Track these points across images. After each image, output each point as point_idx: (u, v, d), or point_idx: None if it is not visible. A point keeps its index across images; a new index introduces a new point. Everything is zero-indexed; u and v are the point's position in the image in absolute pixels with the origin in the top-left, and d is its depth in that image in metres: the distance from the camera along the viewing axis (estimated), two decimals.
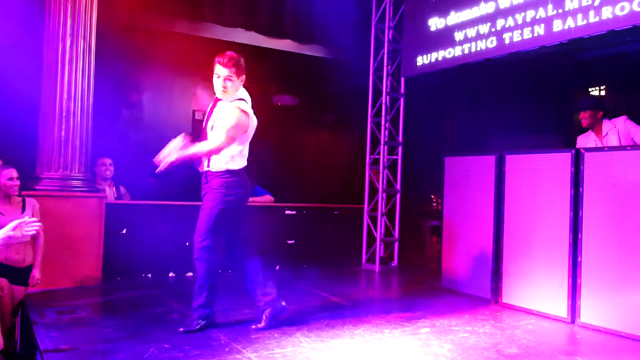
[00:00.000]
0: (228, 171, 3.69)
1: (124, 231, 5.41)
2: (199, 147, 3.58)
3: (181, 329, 3.66)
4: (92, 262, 5.05)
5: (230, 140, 3.60)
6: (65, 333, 3.53)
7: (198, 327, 3.68)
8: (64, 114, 5.01)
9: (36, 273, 4.32)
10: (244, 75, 3.77)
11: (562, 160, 4.37)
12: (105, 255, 5.13)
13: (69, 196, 4.96)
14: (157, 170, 3.49)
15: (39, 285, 4.35)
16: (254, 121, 3.80)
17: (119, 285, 5.14)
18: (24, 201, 4.30)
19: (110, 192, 5.96)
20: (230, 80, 3.68)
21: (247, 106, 3.77)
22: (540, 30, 4.96)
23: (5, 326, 3.85)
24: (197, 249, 3.68)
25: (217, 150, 3.59)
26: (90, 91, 5.19)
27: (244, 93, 3.85)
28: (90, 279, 5.04)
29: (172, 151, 3.51)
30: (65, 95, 5.01)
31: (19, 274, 4.19)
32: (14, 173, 4.16)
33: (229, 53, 3.73)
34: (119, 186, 6.26)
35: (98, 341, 3.42)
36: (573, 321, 4.23)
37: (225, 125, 3.59)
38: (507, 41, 5.27)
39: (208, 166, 3.71)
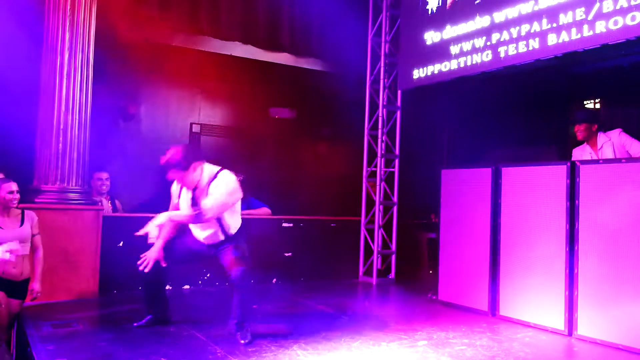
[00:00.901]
0: (242, 227, 4.06)
1: (120, 244, 5.41)
2: (186, 217, 3.77)
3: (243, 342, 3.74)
4: (89, 275, 5.04)
5: (224, 207, 3.79)
6: (61, 346, 3.52)
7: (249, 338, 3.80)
8: (61, 127, 5.03)
9: (36, 286, 4.30)
10: (194, 162, 3.81)
11: (557, 173, 4.40)
12: (102, 268, 5.12)
13: (66, 209, 4.95)
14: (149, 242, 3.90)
15: (34, 297, 4.34)
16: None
17: (115, 298, 5.12)
18: (22, 214, 4.30)
19: (107, 206, 5.96)
20: (179, 179, 3.85)
21: (231, 174, 3.93)
22: (535, 44, 5.01)
23: (1, 339, 3.83)
24: (241, 275, 3.76)
25: (215, 213, 3.75)
26: (87, 104, 5.21)
27: (214, 167, 3.96)
28: (86, 292, 5.02)
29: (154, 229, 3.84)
30: (62, 108, 5.03)
31: (16, 288, 4.17)
32: (14, 186, 4.17)
33: (166, 155, 3.81)
34: (114, 200, 6.27)
35: (94, 355, 3.41)
36: (570, 334, 4.24)
37: (218, 195, 3.76)
38: (502, 55, 5.32)
39: (226, 235, 3.94)
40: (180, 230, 4.06)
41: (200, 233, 3.97)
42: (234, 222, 3.95)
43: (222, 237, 3.93)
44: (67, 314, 4.41)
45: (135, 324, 4.10)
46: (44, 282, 4.37)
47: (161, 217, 3.78)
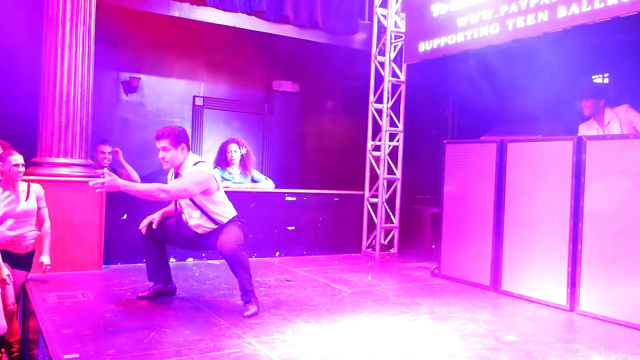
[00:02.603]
0: (236, 216, 4.06)
1: (124, 217, 5.44)
2: (145, 188, 3.74)
3: (246, 314, 3.78)
4: (93, 247, 5.08)
5: (185, 192, 3.80)
6: (66, 317, 3.57)
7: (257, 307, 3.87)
8: (63, 100, 5.00)
9: (46, 259, 4.34)
10: (184, 144, 3.93)
11: (563, 149, 4.37)
12: (106, 240, 5.16)
13: (69, 182, 4.96)
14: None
15: (43, 271, 4.38)
16: (219, 181, 4.07)
17: (119, 270, 5.17)
18: (28, 187, 4.32)
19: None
20: (166, 150, 3.89)
21: (210, 168, 4.00)
22: (544, 16, 4.93)
23: (7, 311, 3.88)
24: (233, 250, 3.79)
25: (169, 192, 3.72)
26: (90, 76, 5.18)
27: (195, 157, 4.04)
28: (91, 264, 5.07)
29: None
30: (65, 81, 5.00)
31: (20, 260, 4.22)
32: (19, 159, 4.17)
33: (164, 127, 3.96)
34: (116, 172, 6.28)
35: (99, 325, 3.46)
36: (572, 309, 4.27)
37: (186, 180, 3.80)
38: (510, 27, 5.24)
39: (217, 224, 3.98)
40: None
41: (190, 221, 4.04)
42: (221, 212, 3.99)
43: (214, 226, 3.99)
44: (72, 286, 4.46)
45: (139, 294, 4.16)
46: (50, 256, 4.41)
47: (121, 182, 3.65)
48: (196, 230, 4.04)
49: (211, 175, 3.91)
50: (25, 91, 5.74)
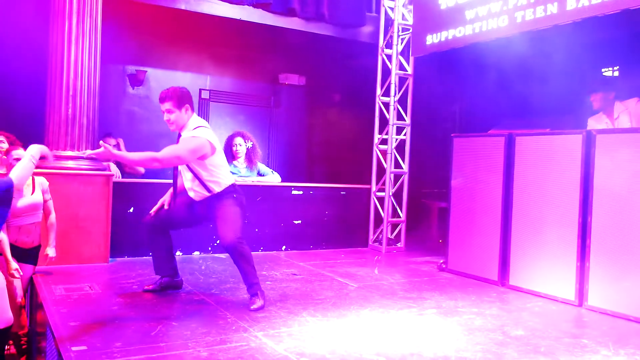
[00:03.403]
0: (231, 186, 4.01)
1: (131, 210, 5.46)
2: (147, 154, 3.73)
3: (252, 307, 3.77)
4: (100, 240, 5.10)
5: (177, 160, 3.81)
6: (73, 310, 3.59)
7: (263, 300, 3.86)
8: (70, 93, 5.02)
9: (51, 251, 4.36)
10: (188, 104, 3.95)
11: (572, 142, 4.35)
12: (113, 234, 5.18)
13: (76, 174, 4.99)
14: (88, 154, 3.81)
15: (47, 262, 4.42)
16: (218, 142, 3.99)
17: (126, 263, 5.20)
18: (32, 180, 4.34)
19: (116, 171, 6.00)
20: (170, 112, 3.90)
21: (206, 132, 3.91)
22: (553, 8, 4.89)
23: (15, 305, 3.92)
24: (233, 243, 3.79)
25: (161, 161, 3.73)
26: (97, 69, 5.19)
27: (201, 120, 4.04)
28: (97, 258, 5.10)
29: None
30: (71, 74, 5.01)
31: (27, 254, 4.26)
32: (22, 153, 4.18)
33: (167, 89, 3.96)
34: (121, 165, 6.31)
35: (106, 318, 3.48)
36: (581, 304, 4.25)
37: (179, 148, 3.81)
38: (519, 20, 5.21)
39: (211, 192, 3.95)
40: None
41: (185, 184, 4.05)
42: (215, 179, 3.93)
43: (206, 193, 3.96)
44: (79, 279, 4.49)
45: (145, 287, 4.18)
46: (55, 248, 4.44)
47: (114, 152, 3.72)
48: (190, 194, 4.03)
49: (206, 141, 3.84)
50: (32, 84, 5.77)
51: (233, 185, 4.02)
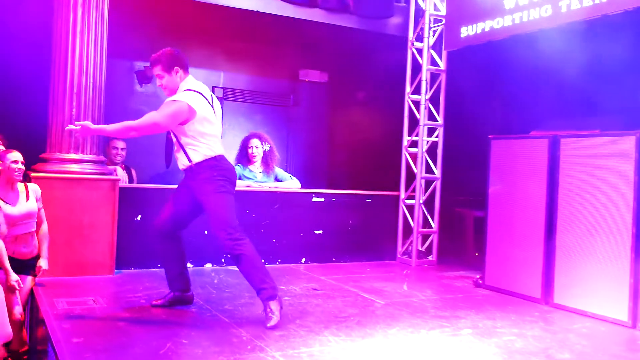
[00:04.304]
0: (213, 158, 3.98)
1: (138, 217, 5.53)
2: (124, 123, 3.87)
3: (268, 325, 3.78)
4: (105, 250, 5.17)
5: (156, 127, 3.87)
6: (77, 325, 3.65)
7: (279, 310, 3.86)
8: (75, 90, 5.10)
9: (44, 264, 4.44)
10: (177, 66, 4.04)
11: (624, 145, 4.30)
12: (119, 243, 5.24)
13: (80, 179, 5.06)
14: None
15: (49, 274, 4.49)
16: (203, 108, 3.97)
17: (132, 276, 5.26)
18: (25, 187, 4.42)
19: (122, 175, 6.08)
20: (160, 77, 4.05)
21: (191, 95, 3.94)
22: None
23: (15, 321, 3.98)
24: (228, 246, 3.86)
25: (137, 129, 3.86)
26: (103, 65, 5.27)
27: (192, 84, 4.07)
28: (102, 269, 5.16)
29: None
30: (76, 70, 5.10)
31: (26, 265, 4.34)
32: (18, 157, 4.28)
33: (157, 52, 4.09)
34: (130, 169, 6.39)
35: (112, 334, 3.52)
36: (634, 325, 4.18)
37: (156, 113, 3.88)
38: (564, 9, 5.16)
39: (190, 161, 3.98)
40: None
41: (175, 158, 4.13)
42: (195, 148, 3.95)
43: (187, 162, 4.00)
44: (83, 292, 4.55)
45: (153, 302, 4.22)
46: (57, 258, 4.52)
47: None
48: (178, 163, 4.09)
49: (185, 104, 3.86)
50: (34, 81, 5.88)
51: (214, 159, 3.98)
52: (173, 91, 4.03)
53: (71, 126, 3.84)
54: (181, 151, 4.01)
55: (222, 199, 3.94)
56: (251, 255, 3.87)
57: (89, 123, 3.77)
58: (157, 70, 4.04)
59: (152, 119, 3.86)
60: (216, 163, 3.98)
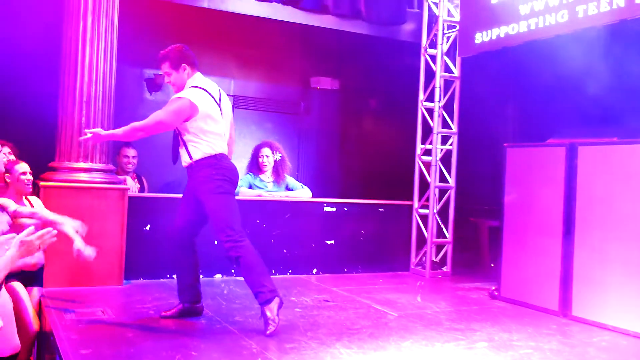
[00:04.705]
0: (213, 157, 4.02)
1: (147, 227, 5.55)
2: (131, 125, 3.97)
3: (267, 333, 3.81)
4: (114, 260, 5.19)
5: (162, 125, 3.97)
6: (85, 336, 3.66)
7: (276, 313, 3.88)
8: (84, 99, 5.15)
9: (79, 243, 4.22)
10: (185, 64, 4.11)
11: None
12: (128, 253, 5.27)
13: (89, 188, 5.09)
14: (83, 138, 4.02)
15: (57, 284, 4.49)
16: (206, 105, 4.02)
17: (141, 286, 5.28)
18: (28, 201, 4.45)
19: (132, 184, 6.12)
20: (168, 74, 4.14)
21: (195, 92, 4.01)
22: (620, 1, 4.82)
23: (29, 335, 3.97)
24: (226, 248, 3.91)
25: (144, 129, 3.97)
26: (112, 73, 5.32)
27: (199, 81, 4.13)
28: (111, 279, 5.18)
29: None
30: (86, 79, 5.15)
31: (34, 276, 4.37)
32: (26, 168, 4.31)
33: (165, 49, 4.20)
34: (141, 178, 6.43)
35: (120, 345, 3.53)
36: None
37: (160, 112, 3.97)
38: (580, 14, 5.15)
39: (191, 158, 4.04)
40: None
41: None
42: (195, 145, 4.00)
43: (188, 159, 4.06)
44: (91, 302, 4.57)
45: (162, 313, 4.23)
46: (65, 268, 4.53)
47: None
48: (181, 161, 4.14)
49: (187, 101, 3.93)
50: (43, 89, 5.93)
51: (214, 157, 4.01)
52: (180, 88, 4.11)
53: (83, 137, 3.92)
54: (183, 148, 4.07)
55: (220, 199, 3.98)
56: (249, 257, 3.90)
57: (99, 130, 3.86)
58: (165, 67, 4.13)
59: (156, 117, 3.94)
60: (216, 162, 4.02)
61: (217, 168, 4.00)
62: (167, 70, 4.12)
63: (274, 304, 3.87)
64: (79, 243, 3.87)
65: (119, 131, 3.98)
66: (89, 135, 3.87)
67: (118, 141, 5.81)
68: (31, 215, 4.03)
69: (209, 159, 4.01)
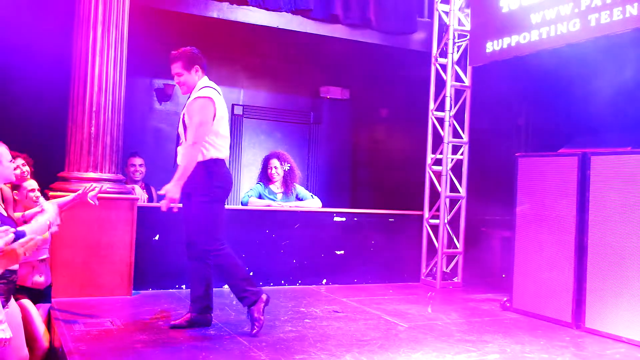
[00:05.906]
0: (211, 161, 4.11)
1: (156, 237, 5.57)
2: (184, 161, 4.02)
3: (252, 332, 4.02)
4: (123, 271, 5.21)
5: (205, 128, 4.04)
6: (94, 347, 3.67)
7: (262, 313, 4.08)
8: (94, 109, 5.19)
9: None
10: (197, 65, 4.23)
11: None
12: (137, 263, 5.29)
13: (99, 198, 5.09)
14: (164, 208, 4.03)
15: (64, 295, 4.50)
16: (223, 107, 4.23)
17: (150, 297, 5.29)
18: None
19: (140, 193, 6.15)
20: (179, 75, 4.24)
21: (210, 91, 4.15)
22: (633, 10, 4.81)
23: (40, 351, 3.98)
24: (205, 256, 4.12)
25: (196, 141, 4.02)
26: (122, 83, 5.37)
27: (209, 82, 4.28)
28: (120, 290, 5.20)
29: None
30: (95, 88, 5.20)
31: (42, 294, 4.37)
32: (34, 185, 4.34)
33: (177, 50, 4.30)
34: (150, 187, 6.46)
35: (129, 356, 3.55)
36: None
37: (194, 122, 4.03)
38: (592, 23, 5.14)
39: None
40: None
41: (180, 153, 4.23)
42: (207, 147, 4.09)
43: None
44: (100, 313, 4.59)
45: (171, 323, 4.24)
46: (74, 278, 4.53)
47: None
48: (178, 159, 4.17)
49: (208, 100, 4.07)
50: (53, 99, 6.00)
51: (215, 161, 4.11)
52: (190, 89, 4.22)
53: (164, 208, 3.99)
54: (185, 142, 4.14)
55: (211, 209, 4.09)
56: (228, 265, 4.05)
57: (167, 190, 3.94)
58: (177, 67, 4.21)
59: (195, 124, 4.01)
60: (217, 168, 4.13)
61: (215, 174, 4.11)
62: (178, 70, 4.22)
63: (260, 304, 4.06)
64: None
65: (182, 165, 4.03)
66: (164, 192, 3.95)
67: (126, 150, 5.87)
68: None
69: (208, 162, 4.10)
